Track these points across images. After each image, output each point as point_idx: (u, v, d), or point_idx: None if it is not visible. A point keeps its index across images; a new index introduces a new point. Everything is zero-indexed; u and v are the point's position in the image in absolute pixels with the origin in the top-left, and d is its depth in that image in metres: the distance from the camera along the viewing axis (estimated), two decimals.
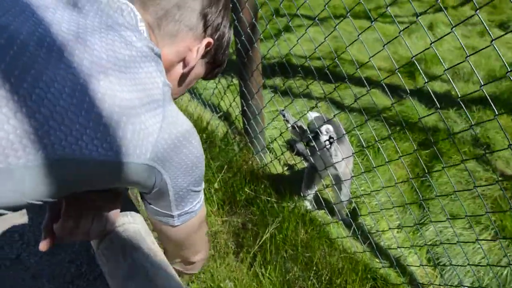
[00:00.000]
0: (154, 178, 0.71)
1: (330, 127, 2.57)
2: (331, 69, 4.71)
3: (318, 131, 2.58)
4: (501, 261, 2.67)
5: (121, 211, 0.96)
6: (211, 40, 0.90)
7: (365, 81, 2.25)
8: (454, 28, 1.44)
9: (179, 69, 0.89)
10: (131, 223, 0.98)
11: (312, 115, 2.77)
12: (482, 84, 1.50)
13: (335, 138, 2.50)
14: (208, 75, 1.04)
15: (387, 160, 2.29)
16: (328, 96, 4.38)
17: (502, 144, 3.47)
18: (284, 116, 2.80)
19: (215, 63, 0.99)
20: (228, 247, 2.58)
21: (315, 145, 2.62)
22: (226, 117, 4.04)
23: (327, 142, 2.52)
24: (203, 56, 0.93)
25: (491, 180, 3.22)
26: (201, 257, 1.10)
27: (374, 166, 2.54)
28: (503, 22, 6.29)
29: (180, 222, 0.91)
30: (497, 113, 1.55)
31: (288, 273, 2.47)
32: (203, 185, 0.91)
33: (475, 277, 2.57)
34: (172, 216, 0.89)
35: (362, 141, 2.55)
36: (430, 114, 2.31)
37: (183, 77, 0.92)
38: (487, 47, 1.45)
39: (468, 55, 1.49)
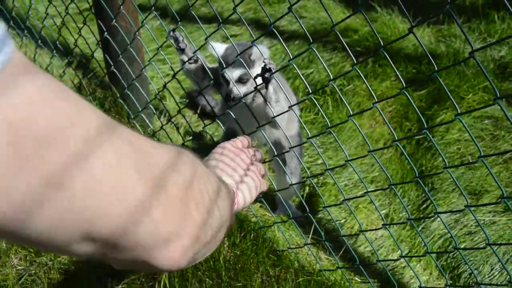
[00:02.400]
0: None
1: (265, 49, 2.28)
2: None
3: (247, 60, 2.33)
4: None
5: None
6: None
7: None
8: None
9: None
10: None
11: (218, 46, 2.52)
12: None
13: (273, 69, 2.14)
14: None
15: (351, 113, 1.93)
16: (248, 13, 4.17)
17: None
18: (176, 39, 2.40)
19: None
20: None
21: (239, 90, 2.35)
22: (80, 61, 3.75)
23: (260, 79, 2.19)
24: None
25: None
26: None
27: (330, 125, 2.20)
28: None
29: None
30: None
31: None
32: None
33: None
34: None
35: (308, 87, 2.22)
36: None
37: None
38: None
39: None
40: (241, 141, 1.49)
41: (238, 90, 2.34)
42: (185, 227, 0.78)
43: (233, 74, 2.36)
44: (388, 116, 3.33)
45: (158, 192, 0.73)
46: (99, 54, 3.25)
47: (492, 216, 2.71)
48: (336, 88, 1.90)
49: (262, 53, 2.19)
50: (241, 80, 2.39)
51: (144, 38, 3.51)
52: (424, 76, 3.49)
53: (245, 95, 2.32)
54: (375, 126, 3.37)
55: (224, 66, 2.37)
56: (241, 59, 2.22)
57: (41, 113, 0.59)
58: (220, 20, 2.02)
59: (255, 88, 2.20)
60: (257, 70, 2.30)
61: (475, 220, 2.67)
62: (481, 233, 2.64)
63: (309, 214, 2.31)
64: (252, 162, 1.40)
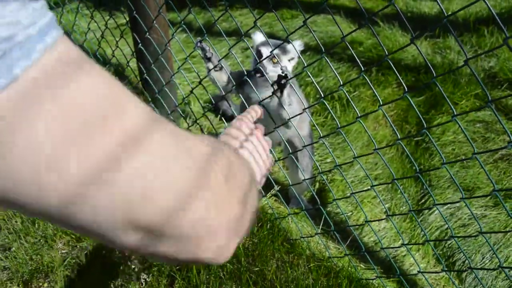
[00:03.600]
0: None
1: (297, 45, 2.33)
2: None
3: (284, 48, 2.39)
4: None
5: None
6: None
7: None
8: None
9: None
10: None
11: (257, 37, 2.56)
12: None
13: (289, 76, 2.12)
14: None
15: (358, 115, 1.89)
16: (264, 27, 4.12)
17: None
18: (203, 49, 2.37)
19: None
20: (126, 270, 2.30)
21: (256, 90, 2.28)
22: (116, 70, 3.71)
23: (276, 86, 2.15)
24: None
25: None
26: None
27: (340, 125, 2.17)
28: None
29: None
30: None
31: None
32: None
33: None
34: None
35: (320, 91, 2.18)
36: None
37: None
38: None
39: None
40: (252, 116, 1.23)
41: (268, 66, 2.38)
42: (229, 217, 0.67)
43: (270, 50, 2.35)
44: (390, 120, 3.30)
45: (201, 184, 0.63)
46: (133, 63, 3.22)
47: (484, 210, 2.67)
48: (345, 93, 1.86)
49: (295, 48, 2.20)
50: (274, 58, 2.40)
51: (173, 49, 3.47)
52: (422, 84, 3.45)
53: (271, 73, 2.36)
54: (378, 128, 3.32)
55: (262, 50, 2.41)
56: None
57: (92, 99, 0.51)
58: (242, 32, 2.02)
59: (273, 93, 2.18)
60: (287, 57, 2.43)
61: (468, 214, 2.65)
62: (473, 225, 2.60)
63: (320, 207, 2.30)
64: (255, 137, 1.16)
